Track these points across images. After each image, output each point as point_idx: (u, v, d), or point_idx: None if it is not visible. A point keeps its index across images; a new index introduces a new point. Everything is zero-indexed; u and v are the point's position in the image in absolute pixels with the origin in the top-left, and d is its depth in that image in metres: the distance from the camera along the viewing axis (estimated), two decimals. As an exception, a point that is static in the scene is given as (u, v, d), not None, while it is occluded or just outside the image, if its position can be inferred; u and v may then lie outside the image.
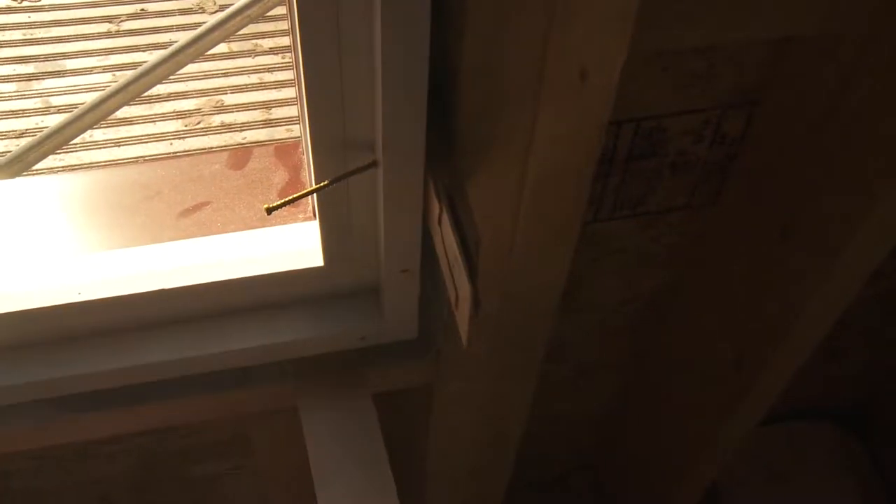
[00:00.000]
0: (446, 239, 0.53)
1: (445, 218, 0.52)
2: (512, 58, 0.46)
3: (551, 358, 1.04)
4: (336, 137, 0.57)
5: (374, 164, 0.56)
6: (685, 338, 0.96)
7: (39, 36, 2.37)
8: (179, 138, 2.19)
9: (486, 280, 0.58)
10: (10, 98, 2.23)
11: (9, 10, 2.42)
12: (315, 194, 0.61)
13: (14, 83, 2.26)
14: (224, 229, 0.75)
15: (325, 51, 0.51)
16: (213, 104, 2.25)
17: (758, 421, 0.93)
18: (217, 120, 2.23)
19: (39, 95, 2.24)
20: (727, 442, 0.96)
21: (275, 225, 0.72)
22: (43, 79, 2.28)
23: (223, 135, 2.20)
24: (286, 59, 2.35)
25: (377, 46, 0.50)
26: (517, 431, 0.85)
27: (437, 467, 0.91)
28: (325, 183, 0.52)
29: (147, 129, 2.20)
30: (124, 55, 2.34)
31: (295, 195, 0.50)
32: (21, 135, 2.14)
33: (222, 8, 2.42)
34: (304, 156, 0.75)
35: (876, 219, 0.61)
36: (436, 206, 0.54)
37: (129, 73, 1.28)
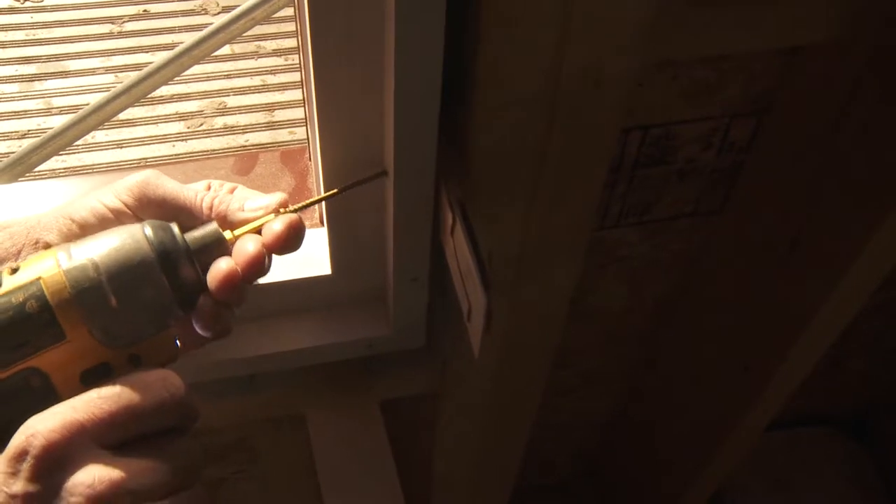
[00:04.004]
0: (459, 250, 0.52)
1: (458, 229, 0.51)
2: (526, 66, 0.46)
3: (556, 363, 1.04)
4: (345, 146, 0.56)
5: (383, 173, 0.56)
6: (691, 345, 0.96)
7: (42, 36, 2.36)
8: (182, 140, 2.18)
9: (495, 289, 0.57)
10: (12, 99, 2.23)
11: (11, 10, 2.42)
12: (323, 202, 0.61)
13: (16, 84, 2.26)
14: (230, 235, 0.74)
15: (336, 60, 0.51)
16: (215, 106, 2.25)
17: (763, 428, 0.93)
18: (220, 122, 2.23)
19: (42, 96, 2.24)
20: (733, 449, 0.96)
21: (282, 232, 0.71)
22: (45, 80, 2.28)
23: (226, 137, 2.20)
24: (289, 62, 2.35)
25: (389, 55, 0.49)
26: (523, 438, 0.85)
27: (443, 474, 0.91)
28: (334, 192, 0.51)
29: (149, 130, 2.19)
30: (127, 56, 2.34)
31: (302, 204, 0.49)
32: (23, 136, 2.14)
33: (225, 9, 2.42)
34: (311, 162, 0.75)
35: (886, 230, 0.61)
36: (448, 216, 0.54)
37: (133, 75, 1.28)
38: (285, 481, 1.01)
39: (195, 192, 0.47)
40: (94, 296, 0.39)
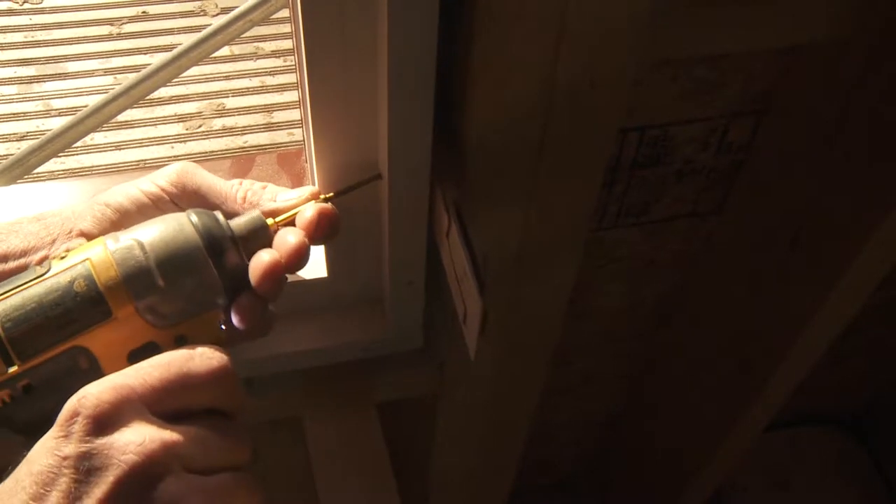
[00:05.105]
0: (454, 253, 0.52)
1: (454, 231, 0.51)
2: (522, 65, 0.46)
3: (556, 363, 1.04)
4: (340, 148, 0.56)
5: (378, 176, 0.55)
6: (691, 344, 0.96)
7: (40, 38, 2.36)
8: (181, 142, 2.18)
9: (492, 290, 0.57)
10: (11, 101, 2.23)
11: (10, 12, 2.42)
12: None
13: (15, 86, 2.26)
14: (227, 238, 0.74)
15: (329, 62, 0.51)
16: (214, 107, 2.25)
17: (763, 427, 0.93)
18: (218, 123, 2.22)
19: (40, 98, 2.24)
20: (732, 448, 0.95)
21: (278, 234, 0.71)
22: (44, 81, 2.27)
23: (224, 138, 2.20)
24: (288, 63, 2.34)
25: (382, 55, 0.49)
26: (521, 439, 0.85)
27: (441, 475, 0.90)
28: (330, 195, 0.51)
29: (148, 132, 2.19)
30: (125, 58, 2.34)
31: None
32: (22, 138, 2.14)
33: (223, 10, 2.42)
34: (307, 165, 0.74)
35: (886, 230, 0.61)
36: (444, 219, 0.53)
37: (132, 77, 1.28)
38: (282, 482, 1.00)
39: (230, 184, 0.48)
40: (140, 275, 0.40)
